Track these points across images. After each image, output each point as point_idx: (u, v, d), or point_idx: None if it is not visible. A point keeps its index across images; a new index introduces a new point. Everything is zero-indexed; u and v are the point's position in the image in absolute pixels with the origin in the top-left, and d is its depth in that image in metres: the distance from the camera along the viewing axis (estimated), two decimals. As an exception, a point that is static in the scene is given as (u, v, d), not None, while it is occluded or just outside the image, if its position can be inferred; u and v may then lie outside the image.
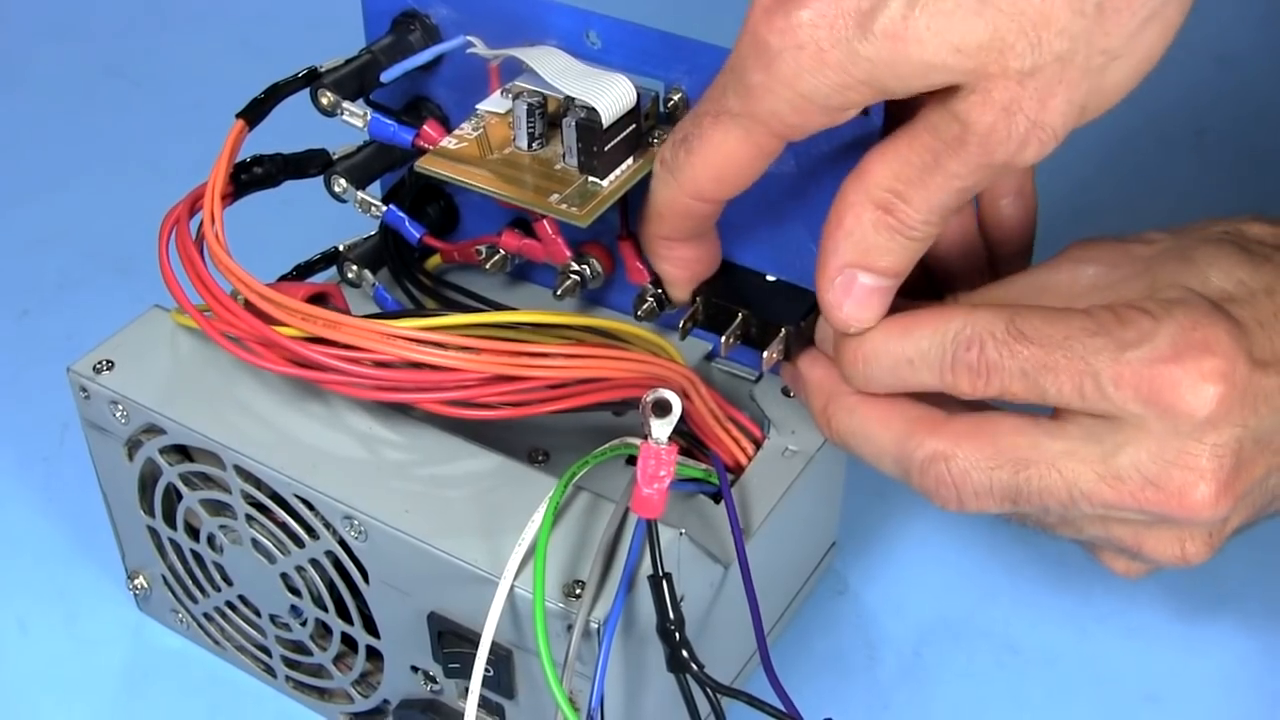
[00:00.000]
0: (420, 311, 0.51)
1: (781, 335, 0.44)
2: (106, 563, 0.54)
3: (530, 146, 0.46)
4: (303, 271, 0.52)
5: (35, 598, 0.53)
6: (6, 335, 0.66)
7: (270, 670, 0.49)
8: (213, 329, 0.43)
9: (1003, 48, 0.35)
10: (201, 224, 0.45)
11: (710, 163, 0.39)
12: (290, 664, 0.48)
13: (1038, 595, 0.53)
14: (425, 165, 0.45)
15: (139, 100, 0.82)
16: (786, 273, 0.47)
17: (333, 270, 0.52)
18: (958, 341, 0.39)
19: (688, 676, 0.39)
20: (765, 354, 0.44)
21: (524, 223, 0.51)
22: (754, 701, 0.39)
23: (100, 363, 0.46)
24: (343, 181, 0.49)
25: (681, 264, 0.45)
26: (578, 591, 0.39)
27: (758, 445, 0.47)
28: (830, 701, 0.49)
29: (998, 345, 0.38)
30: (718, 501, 0.44)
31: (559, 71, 0.45)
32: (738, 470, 0.46)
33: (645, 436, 0.39)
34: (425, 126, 0.48)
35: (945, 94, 0.36)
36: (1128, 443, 0.38)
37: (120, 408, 0.46)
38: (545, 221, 0.49)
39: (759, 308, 0.45)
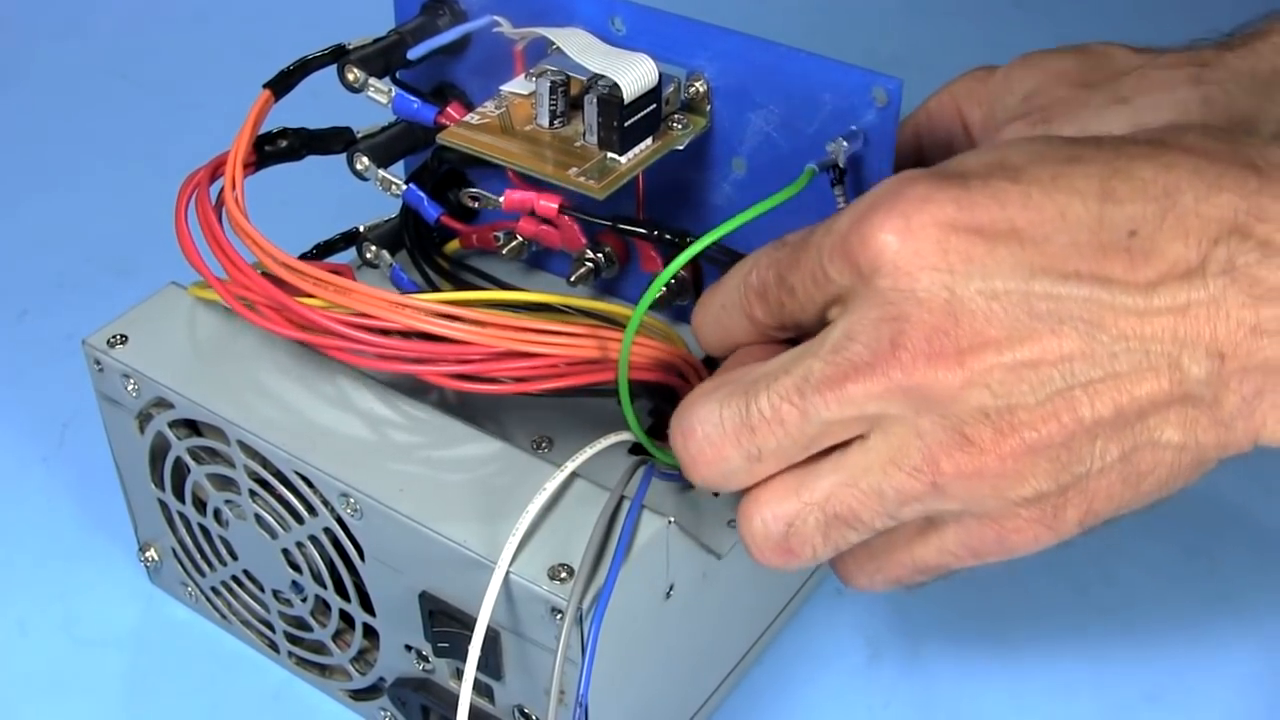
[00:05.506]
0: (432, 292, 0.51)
1: None
2: (107, 563, 0.54)
3: (551, 124, 0.46)
4: (323, 250, 0.52)
5: (35, 598, 0.53)
6: (6, 335, 0.65)
7: (274, 645, 0.50)
8: (226, 292, 0.44)
9: None
10: (222, 189, 0.45)
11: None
12: (292, 640, 0.49)
13: (1038, 595, 0.53)
14: (447, 137, 0.46)
15: (139, 100, 0.82)
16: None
17: (352, 252, 0.53)
18: (747, 274, 0.40)
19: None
20: None
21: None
22: None
23: (114, 336, 0.47)
24: (365, 159, 0.49)
25: None
26: (562, 575, 0.39)
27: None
28: (830, 701, 0.49)
29: (764, 260, 0.39)
30: (715, 494, 0.44)
31: (583, 49, 0.45)
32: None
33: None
34: (449, 108, 0.48)
35: None
36: (841, 316, 0.35)
37: (132, 381, 0.46)
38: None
39: None
